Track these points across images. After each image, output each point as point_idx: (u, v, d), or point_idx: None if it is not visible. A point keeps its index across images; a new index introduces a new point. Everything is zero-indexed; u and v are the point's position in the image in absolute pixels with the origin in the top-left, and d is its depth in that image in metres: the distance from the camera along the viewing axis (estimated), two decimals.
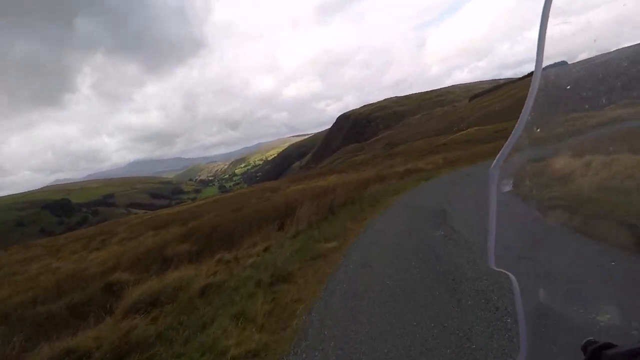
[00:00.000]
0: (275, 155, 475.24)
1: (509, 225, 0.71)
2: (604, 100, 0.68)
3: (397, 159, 31.65)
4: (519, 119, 0.65)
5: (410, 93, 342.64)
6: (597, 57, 0.72)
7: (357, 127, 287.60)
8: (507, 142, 0.66)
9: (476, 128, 62.60)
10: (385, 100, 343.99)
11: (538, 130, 0.66)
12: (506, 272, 0.68)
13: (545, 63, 0.63)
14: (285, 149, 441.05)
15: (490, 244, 0.68)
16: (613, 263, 0.94)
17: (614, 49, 0.75)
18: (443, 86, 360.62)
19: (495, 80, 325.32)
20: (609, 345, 0.55)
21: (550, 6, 0.61)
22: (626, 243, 0.82)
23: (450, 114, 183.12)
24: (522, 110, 0.65)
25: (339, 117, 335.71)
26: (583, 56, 0.81)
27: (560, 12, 0.61)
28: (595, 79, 0.69)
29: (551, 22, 0.61)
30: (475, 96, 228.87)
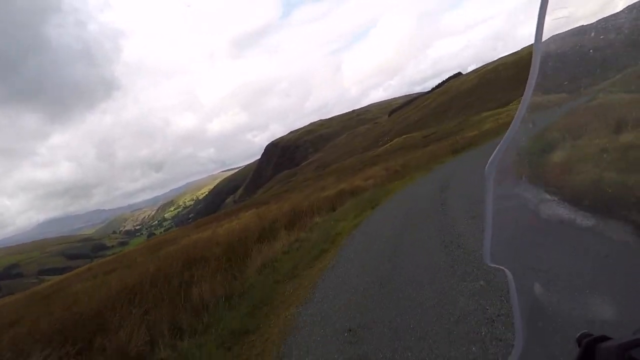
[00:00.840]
0: (207, 193, 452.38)
1: (505, 221, 0.72)
2: (601, 78, 0.67)
3: (329, 178, 26.00)
4: (515, 115, 0.65)
5: (333, 115, 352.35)
6: (588, 44, 0.69)
7: (287, 153, 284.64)
8: (503, 139, 0.66)
9: (404, 136, 60.38)
10: (310, 124, 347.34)
11: (534, 126, 0.66)
12: (502, 267, 0.68)
13: (541, 60, 0.64)
14: (216, 185, 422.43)
15: (487, 240, 0.68)
16: (607, 257, 0.87)
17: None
18: (362, 105, 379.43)
19: (407, 95, 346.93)
20: (604, 338, 0.55)
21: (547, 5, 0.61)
22: (623, 237, 0.79)
23: (373, 130, 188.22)
24: (519, 107, 0.65)
25: (268, 145, 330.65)
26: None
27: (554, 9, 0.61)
28: (590, 63, 0.68)
29: (547, 20, 0.62)
30: (394, 111, 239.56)
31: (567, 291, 0.81)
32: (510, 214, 0.75)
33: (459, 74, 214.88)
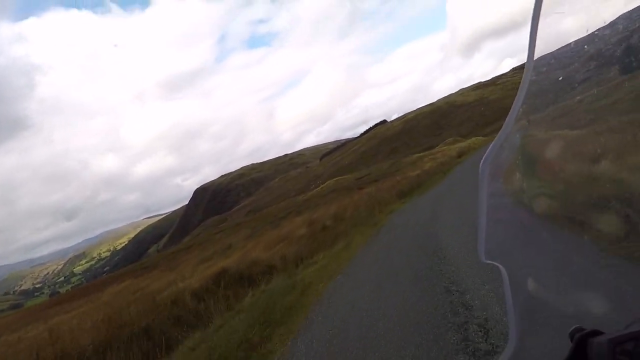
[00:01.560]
0: (127, 242, 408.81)
1: (499, 218, 0.72)
2: (593, 80, 0.70)
3: (241, 232, 20.11)
4: (508, 115, 0.65)
5: (267, 159, 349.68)
6: (582, 48, 0.71)
7: (218, 197, 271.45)
8: (497, 138, 0.65)
9: (335, 179, 57.04)
10: (242, 168, 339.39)
11: (527, 125, 0.67)
12: (496, 264, 0.68)
13: (535, 58, 0.64)
14: (138, 233, 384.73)
15: (481, 237, 0.68)
16: (600, 252, 0.86)
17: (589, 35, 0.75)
18: (295, 150, 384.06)
19: (338, 140, 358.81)
20: (596, 332, 0.56)
21: (541, 5, 0.61)
22: (615, 234, 0.82)
23: (305, 173, 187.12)
24: (512, 106, 0.65)
25: (197, 190, 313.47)
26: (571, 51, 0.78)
27: (549, 9, 0.62)
28: (581, 69, 0.71)
29: (542, 20, 0.62)
30: (325, 155, 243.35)
31: (560, 286, 0.81)
32: (504, 211, 0.75)
33: (384, 121, 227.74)
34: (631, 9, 0.68)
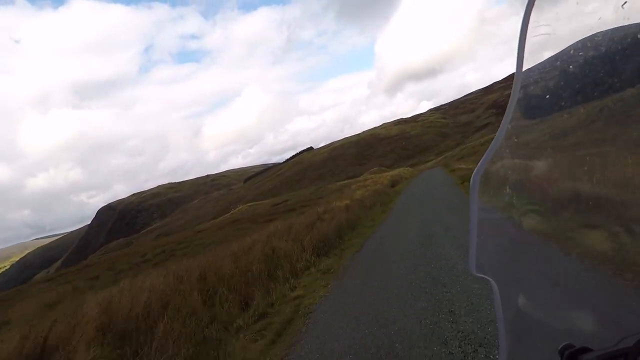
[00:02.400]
0: (9, 266, 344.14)
1: (490, 232, 0.73)
2: (580, 98, 0.70)
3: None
4: (499, 127, 0.66)
5: (187, 179, 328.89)
6: (571, 58, 0.72)
7: (127, 218, 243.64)
8: (488, 150, 0.66)
9: (250, 204, 50.46)
10: (159, 187, 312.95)
11: (518, 138, 0.68)
12: (487, 277, 0.69)
13: (524, 69, 0.65)
14: (25, 256, 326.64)
15: (472, 251, 0.68)
16: (589, 270, 0.90)
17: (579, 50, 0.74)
18: (220, 171, 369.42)
19: (264, 164, 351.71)
20: (586, 349, 0.56)
21: (529, 18, 0.62)
22: (604, 252, 0.83)
23: (227, 196, 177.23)
24: (503, 118, 0.66)
25: (101, 209, 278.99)
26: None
27: (537, 24, 0.64)
28: (573, 80, 0.72)
29: (529, 36, 0.63)
30: (249, 178, 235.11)
31: (550, 302, 0.81)
32: (494, 224, 0.76)
33: (311, 148, 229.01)
34: (621, 25, 0.65)
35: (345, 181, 46.71)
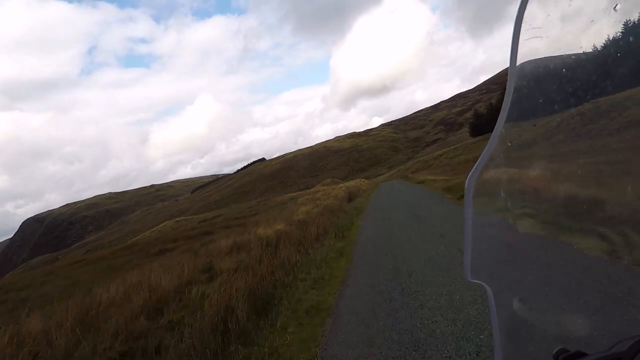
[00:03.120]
0: None
1: (485, 237, 0.73)
2: (572, 101, 0.70)
3: None
4: (493, 132, 0.65)
5: (134, 188, 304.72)
6: (563, 61, 0.72)
7: (56, 231, 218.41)
8: (482, 155, 0.66)
9: (176, 220, 42.99)
10: (96, 197, 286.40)
11: (511, 142, 0.68)
12: (482, 283, 0.68)
13: (516, 72, 0.64)
14: None
15: (467, 256, 0.68)
16: (584, 274, 0.91)
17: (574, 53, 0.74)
18: (167, 181, 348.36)
19: (215, 175, 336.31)
20: (580, 354, 0.55)
21: (522, 21, 0.61)
22: (597, 256, 0.84)
23: (170, 207, 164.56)
24: (496, 123, 0.65)
25: (27, 220, 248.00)
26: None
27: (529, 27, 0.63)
28: (565, 83, 0.71)
29: (522, 35, 0.62)
30: (197, 189, 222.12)
31: (545, 307, 0.81)
32: (489, 229, 0.75)
33: (263, 159, 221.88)
34: (614, 33, 0.66)
35: (294, 193, 41.47)
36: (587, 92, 0.68)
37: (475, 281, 0.68)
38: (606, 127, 0.76)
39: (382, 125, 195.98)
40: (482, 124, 69.05)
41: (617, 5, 0.58)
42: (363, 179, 44.62)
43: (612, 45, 0.65)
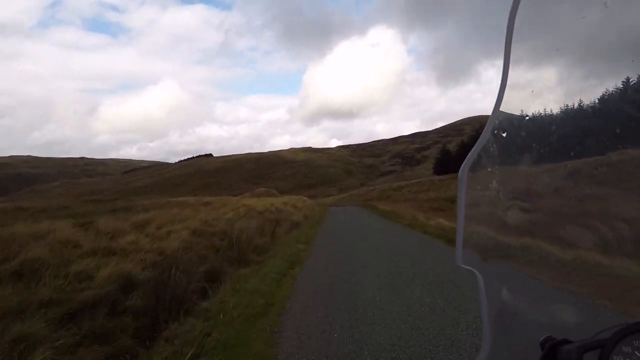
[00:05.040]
0: None
1: (476, 225, 0.74)
2: (569, 96, 0.72)
3: None
4: (487, 122, 0.67)
5: (59, 157, 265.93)
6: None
7: None
8: (476, 144, 0.67)
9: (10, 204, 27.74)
10: (11, 157, 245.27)
11: (505, 134, 0.69)
12: (473, 270, 0.69)
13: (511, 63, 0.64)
14: None
15: (459, 243, 0.69)
16: (572, 264, 0.90)
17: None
18: (107, 157, 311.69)
19: (158, 161, 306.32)
20: (566, 341, 0.57)
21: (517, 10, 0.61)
22: (587, 247, 0.84)
23: (90, 184, 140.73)
24: (491, 113, 0.66)
25: None
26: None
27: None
28: (562, 79, 0.74)
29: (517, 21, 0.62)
30: (129, 171, 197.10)
31: (533, 296, 0.83)
32: (480, 218, 0.76)
33: (210, 155, 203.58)
34: (604, 92, 0.70)
35: (217, 198, 28.18)
36: (585, 89, 0.69)
37: (466, 267, 0.68)
38: (598, 120, 0.74)
39: (339, 146, 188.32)
40: (449, 162, 61.67)
41: (606, 1, 0.58)
42: (306, 197, 32.96)
43: (604, 105, 0.69)
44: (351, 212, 21.55)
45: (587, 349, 0.53)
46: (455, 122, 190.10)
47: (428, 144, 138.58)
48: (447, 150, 68.51)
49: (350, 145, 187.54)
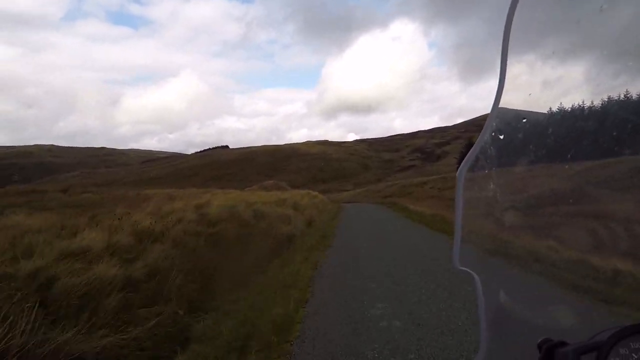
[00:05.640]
0: None
1: (474, 226, 0.73)
2: (567, 98, 0.71)
3: None
4: (485, 123, 0.66)
5: (78, 146, 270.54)
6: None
7: None
8: (474, 145, 0.66)
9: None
10: (35, 146, 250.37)
11: (502, 134, 0.68)
12: (470, 271, 0.69)
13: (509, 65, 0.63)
14: None
15: (456, 244, 0.68)
16: (569, 266, 0.91)
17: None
18: (128, 148, 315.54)
19: (178, 153, 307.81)
20: (563, 343, 0.56)
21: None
22: (583, 249, 0.86)
23: (108, 174, 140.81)
24: (489, 114, 0.65)
25: None
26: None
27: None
28: (559, 84, 0.72)
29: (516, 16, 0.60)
30: (147, 161, 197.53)
31: (530, 298, 0.81)
32: (478, 220, 0.76)
33: (226, 146, 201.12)
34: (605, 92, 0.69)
35: (211, 193, 24.31)
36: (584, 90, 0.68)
37: (464, 269, 0.67)
38: (596, 122, 0.73)
39: (356, 140, 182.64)
40: None
41: (602, 5, 0.59)
42: (317, 193, 28.65)
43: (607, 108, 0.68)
44: (375, 214, 17.01)
45: (584, 351, 0.52)
46: (476, 117, 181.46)
47: (448, 139, 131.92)
48: (473, 144, 63.04)
49: (367, 139, 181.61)
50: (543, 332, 0.59)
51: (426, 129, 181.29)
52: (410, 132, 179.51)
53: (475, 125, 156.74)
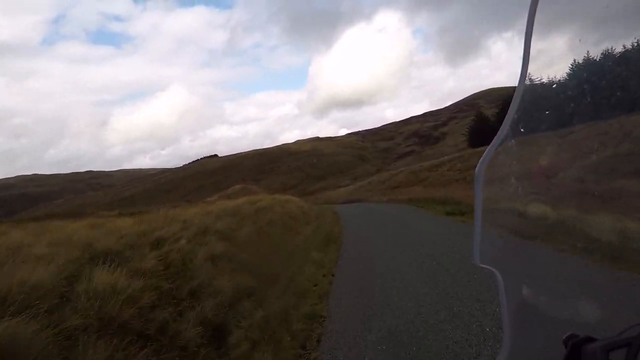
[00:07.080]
0: None
1: (494, 223, 0.72)
2: (588, 99, 0.69)
3: None
4: (505, 117, 0.65)
5: (63, 172, 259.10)
6: (582, 61, 0.71)
7: None
8: (492, 142, 0.65)
9: None
10: (16, 177, 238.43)
11: (523, 129, 0.66)
12: (491, 268, 0.67)
13: (530, 64, 0.62)
14: None
15: (476, 241, 0.67)
16: (594, 260, 0.85)
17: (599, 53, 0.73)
18: (124, 168, 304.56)
19: (168, 169, 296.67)
20: (590, 339, 0.54)
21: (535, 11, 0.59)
22: (608, 243, 0.84)
23: (92, 197, 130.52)
24: (509, 110, 0.64)
25: None
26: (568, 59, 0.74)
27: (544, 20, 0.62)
28: (579, 80, 0.71)
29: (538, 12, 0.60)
30: (132, 181, 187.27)
31: (554, 293, 0.80)
32: (499, 215, 0.74)
33: (215, 155, 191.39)
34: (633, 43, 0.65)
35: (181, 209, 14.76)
36: (605, 85, 0.66)
37: (485, 266, 0.65)
38: (621, 118, 0.69)
39: (348, 134, 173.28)
40: (486, 130, 47.40)
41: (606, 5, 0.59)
42: (292, 197, 19.06)
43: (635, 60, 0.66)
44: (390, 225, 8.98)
45: (613, 348, 0.49)
46: (467, 97, 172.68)
47: (444, 120, 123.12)
48: (484, 116, 53.74)
49: (359, 131, 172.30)
50: (568, 327, 0.57)
51: (418, 114, 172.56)
52: (403, 119, 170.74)
53: (467, 104, 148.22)
